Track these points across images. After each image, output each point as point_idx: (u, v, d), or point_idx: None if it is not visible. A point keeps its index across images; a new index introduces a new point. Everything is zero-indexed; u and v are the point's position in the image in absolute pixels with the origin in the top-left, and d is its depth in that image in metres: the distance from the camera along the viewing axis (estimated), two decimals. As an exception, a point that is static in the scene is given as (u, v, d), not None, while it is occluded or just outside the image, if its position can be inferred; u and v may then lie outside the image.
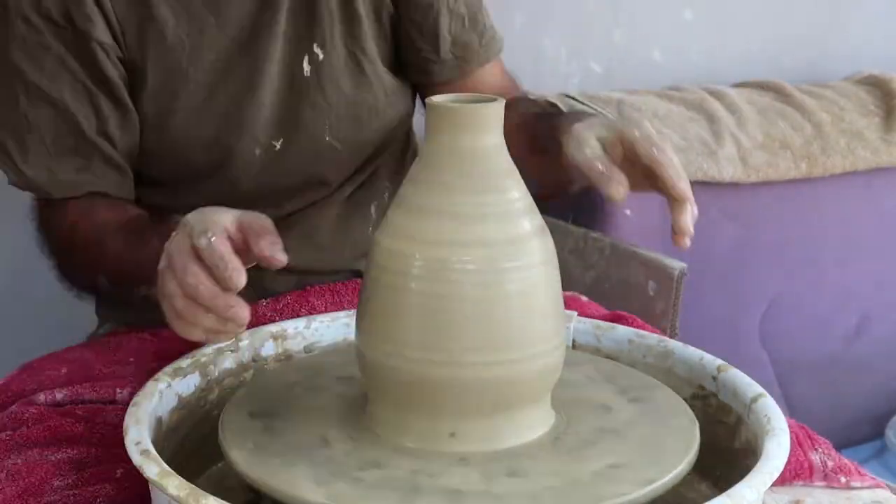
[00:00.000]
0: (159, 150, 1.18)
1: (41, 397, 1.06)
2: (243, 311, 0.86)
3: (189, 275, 0.86)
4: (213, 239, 0.86)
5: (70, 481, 0.95)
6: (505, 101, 0.88)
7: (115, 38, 1.14)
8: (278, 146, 1.20)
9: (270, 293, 1.23)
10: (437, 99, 0.88)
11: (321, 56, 1.19)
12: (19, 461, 0.96)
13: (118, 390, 1.08)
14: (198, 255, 0.86)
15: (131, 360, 1.14)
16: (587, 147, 0.95)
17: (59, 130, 1.13)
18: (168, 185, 1.21)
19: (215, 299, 0.85)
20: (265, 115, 1.18)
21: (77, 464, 0.97)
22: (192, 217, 0.90)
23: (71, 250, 1.15)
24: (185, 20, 1.15)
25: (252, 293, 0.90)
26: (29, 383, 1.10)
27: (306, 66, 1.19)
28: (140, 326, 1.23)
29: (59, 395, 1.07)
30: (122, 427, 0.86)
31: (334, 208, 1.27)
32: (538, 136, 1.08)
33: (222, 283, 0.85)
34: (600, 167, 0.94)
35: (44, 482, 0.95)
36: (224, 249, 0.85)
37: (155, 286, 0.92)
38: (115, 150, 1.16)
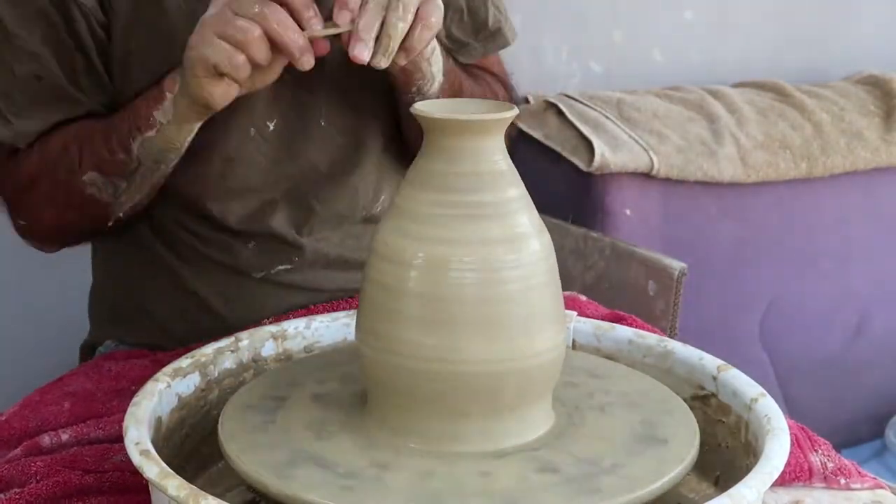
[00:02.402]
0: None
1: (46, 440, 1.03)
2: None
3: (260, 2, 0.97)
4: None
5: None
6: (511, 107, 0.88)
7: (100, 2, 1.12)
8: (272, 126, 1.19)
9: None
10: (433, 106, 0.88)
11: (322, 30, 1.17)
12: None
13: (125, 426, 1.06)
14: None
15: (133, 388, 1.12)
16: None
17: (41, 83, 1.13)
18: None
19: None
20: (262, 96, 1.16)
21: None
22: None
23: (39, 175, 1.14)
24: None
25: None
26: (31, 420, 1.07)
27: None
28: (138, 349, 1.22)
29: (64, 437, 1.04)
30: (130, 468, 0.84)
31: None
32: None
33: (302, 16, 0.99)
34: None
35: None
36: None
37: (149, 129, 1.06)
38: (86, 100, 1.15)
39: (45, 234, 1.22)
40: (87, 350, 1.32)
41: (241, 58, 0.99)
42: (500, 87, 1.33)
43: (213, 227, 1.20)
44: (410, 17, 0.99)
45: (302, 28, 0.99)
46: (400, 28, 0.98)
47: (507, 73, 1.36)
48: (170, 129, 1.08)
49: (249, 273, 1.21)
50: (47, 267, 1.59)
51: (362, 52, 0.99)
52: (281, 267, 1.22)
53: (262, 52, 0.98)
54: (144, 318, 1.24)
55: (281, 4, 0.98)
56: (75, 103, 1.14)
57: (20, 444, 1.04)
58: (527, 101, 2.00)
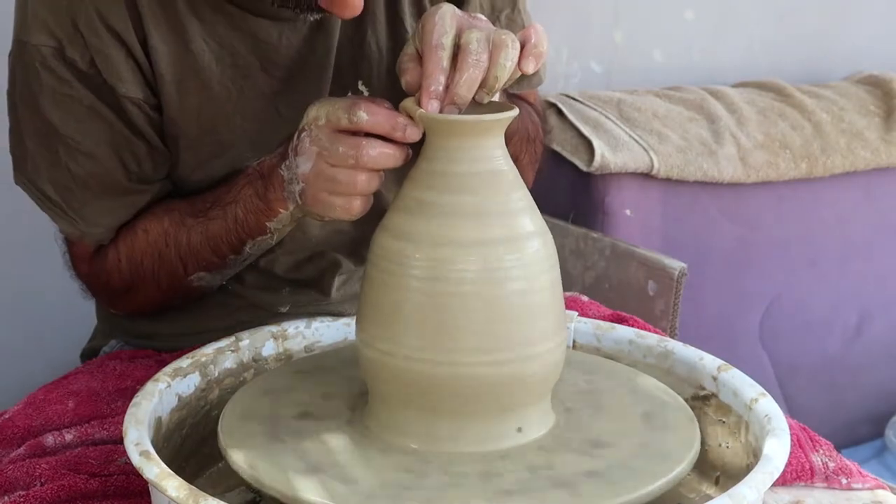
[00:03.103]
0: (197, 183, 1.16)
1: (50, 440, 1.03)
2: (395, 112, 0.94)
3: (351, 145, 0.95)
4: (360, 110, 0.94)
5: None
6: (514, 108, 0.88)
7: (150, 89, 1.10)
8: None
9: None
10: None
11: (365, 92, 1.18)
12: None
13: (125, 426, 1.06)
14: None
15: (138, 388, 1.12)
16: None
17: (100, 180, 1.11)
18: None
19: (389, 124, 0.94)
20: None
21: None
22: (317, 111, 0.97)
23: (136, 284, 1.14)
24: (230, 65, 1.11)
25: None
26: (35, 419, 1.07)
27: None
28: (143, 348, 1.22)
29: (68, 437, 1.04)
30: (135, 471, 0.84)
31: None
32: None
33: (396, 135, 0.94)
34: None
35: None
36: (381, 107, 0.94)
37: (262, 234, 1.06)
38: (150, 189, 1.14)
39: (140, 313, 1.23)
40: (89, 355, 1.32)
41: (357, 202, 0.98)
42: (536, 117, 1.32)
43: (254, 272, 1.20)
44: (516, 55, 0.93)
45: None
46: (508, 68, 0.92)
47: (541, 103, 1.37)
48: (286, 228, 1.08)
49: (275, 308, 1.20)
50: (52, 265, 1.59)
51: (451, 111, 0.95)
52: (310, 307, 1.21)
53: (371, 184, 0.97)
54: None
55: (368, 134, 0.96)
56: (138, 194, 1.13)
57: (24, 443, 1.04)
58: (527, 101, 2.00)
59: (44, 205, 1.13)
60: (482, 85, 0.90)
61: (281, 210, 1.04)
